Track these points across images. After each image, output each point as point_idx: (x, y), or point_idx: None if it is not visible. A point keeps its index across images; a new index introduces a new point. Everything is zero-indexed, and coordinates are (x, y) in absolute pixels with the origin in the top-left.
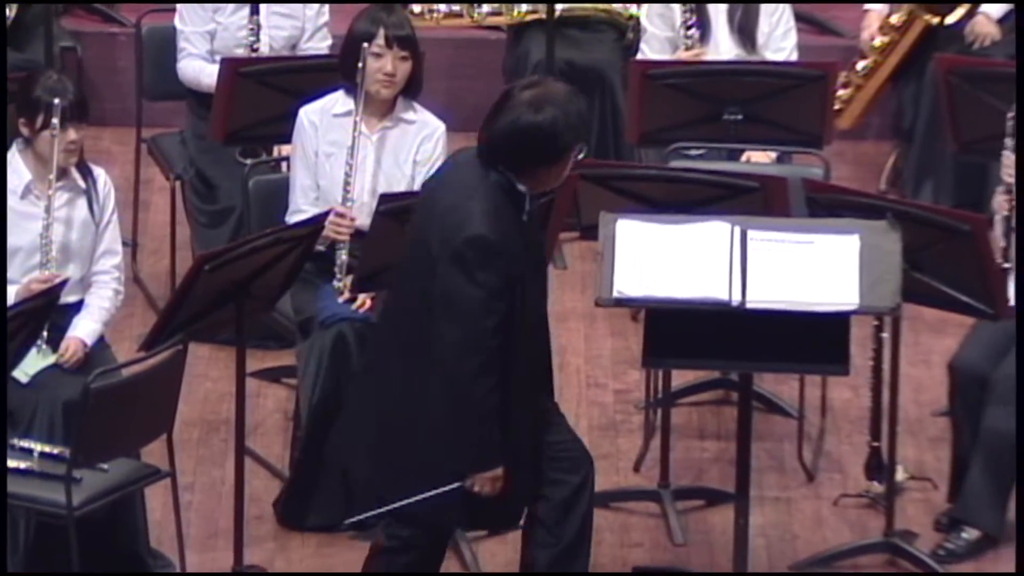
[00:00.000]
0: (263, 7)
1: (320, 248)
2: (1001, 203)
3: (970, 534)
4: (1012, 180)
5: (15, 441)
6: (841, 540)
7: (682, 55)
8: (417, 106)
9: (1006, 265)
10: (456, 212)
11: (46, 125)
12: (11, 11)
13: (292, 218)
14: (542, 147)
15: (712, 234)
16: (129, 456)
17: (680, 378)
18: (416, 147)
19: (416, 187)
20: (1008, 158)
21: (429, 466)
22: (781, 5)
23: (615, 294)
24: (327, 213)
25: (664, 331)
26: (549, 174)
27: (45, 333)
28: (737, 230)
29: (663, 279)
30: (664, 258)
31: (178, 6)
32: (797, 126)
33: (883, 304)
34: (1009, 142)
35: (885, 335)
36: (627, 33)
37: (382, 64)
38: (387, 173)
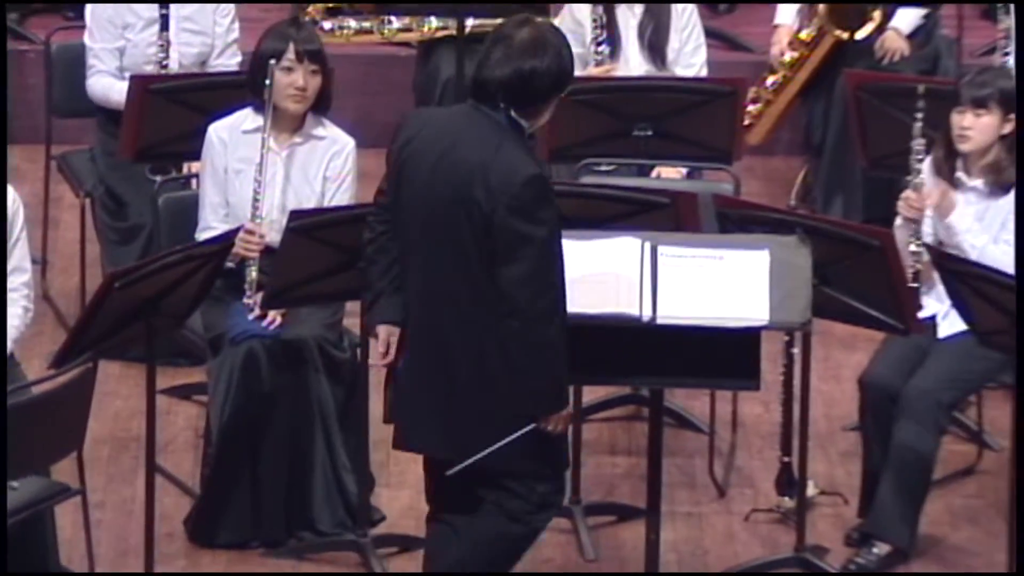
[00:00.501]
0: (173, 24)
1: (230, 265)
2: (910, 201)
3: (881, 549)
4: (921, 177)
5: None
6: (752, 555)
7: (592, 71)
8: (327, 122)
9: (917, 267)
10: (497, 162)
11: None
12: None
13: (202, 235)
14: (546, 88)
15: (622, 250)
16: (39, 474)
17: (591, 394)
18: (326, 163)
19: (327, 203)
20: (918, 145)
21: (501, 415)
22: (691, 21)
23: None
24: (237, 230)
25: (575, 347)
26: (546, 110)
27: None
28: (647, 246)
29: (574, 295)
30: (575, 274)
31: (87, 23)
32: (707, 142)
33: (793, 319)
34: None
35: (795, 350)
36: None
37: (293, 79)
38: (297, 189)
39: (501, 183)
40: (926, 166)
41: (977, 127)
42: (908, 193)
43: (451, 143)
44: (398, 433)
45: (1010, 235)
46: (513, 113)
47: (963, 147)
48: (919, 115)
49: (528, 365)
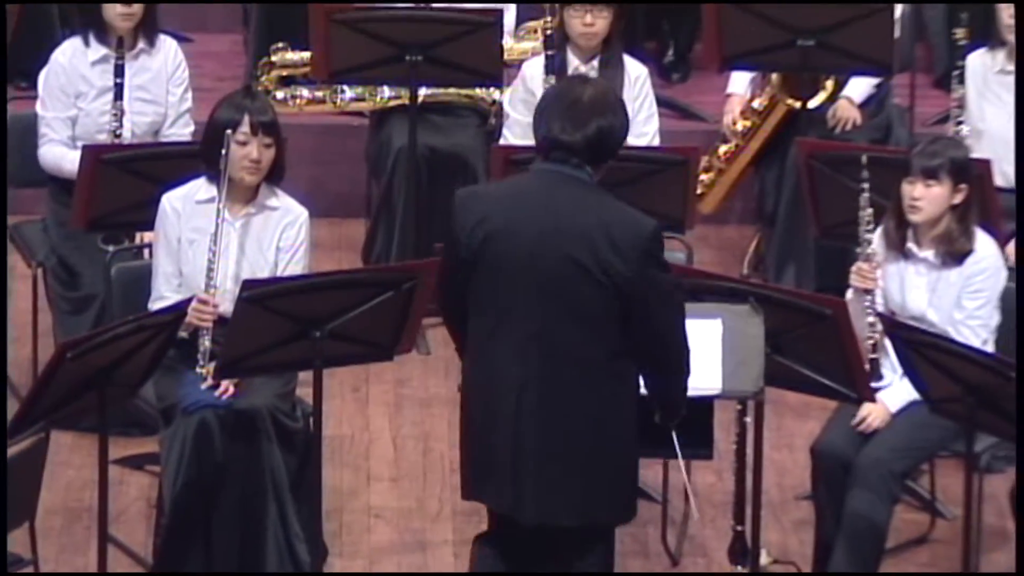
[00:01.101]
0: (126, 93)
1: (183, 335)
2: (862, 272)
3: None
4: (872, 247)
5: None
6: None
7: None
8: (280, 192)
9: (875, 337)
10: (617, 220)
11: None
12: None
13: (155, 305)
14: (618, 144)
15: None
16: None
17: None
18: (279, 234)
19: (280, 273)
20: (866, 215)
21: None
22: (644, 90)
23: None
24: (190, 300)
25: None
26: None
27: None
28: None
29: None
30: None
31: (40, 92)
32: (660, 211)
33: (746, 388)
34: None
35: (748, 419)
36: (489, 118)
37: (248, 151)
38: (250, 259)
39: (631, 238)
40: (877, 236)
41: (927, 198)
42: (860, 264)
43: (548, 210)
44: (506, 502)
45: (973, 319)
46: (589, 171)
47: (914, 218)
48: (865, 184)
49: (677, 402)
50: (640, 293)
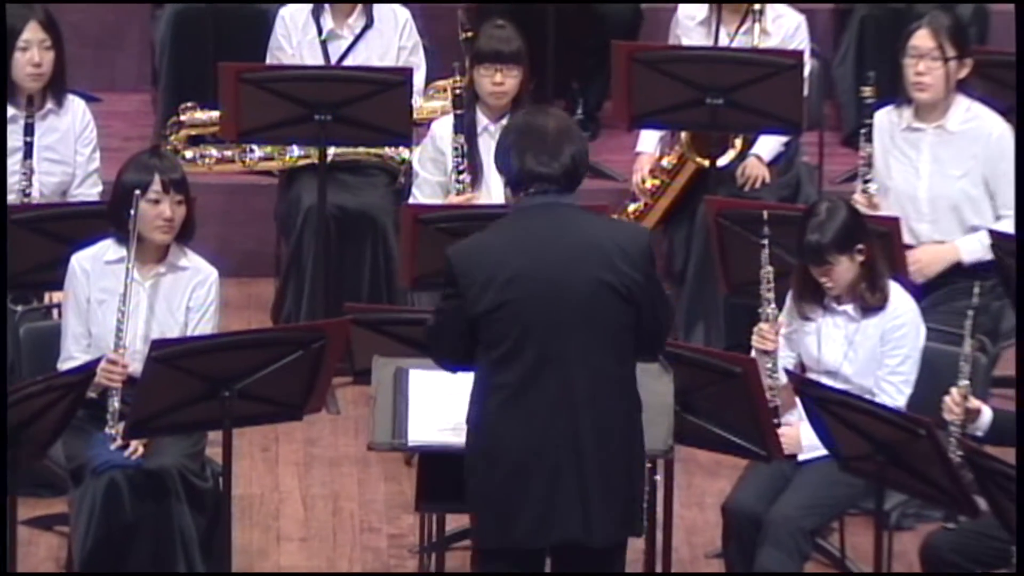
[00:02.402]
0: (35, 153)
1: (92, 395)
2: (763, 333)
3: None
4: (773, 307)
5: None
6: None
7: (453, 199)
8: (189, 252)
9: (776, 401)
10: (620, 234)
11: None
12: None
13: (64, 365)
14: (585, 169)
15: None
16: None
17: (454, 522)
18: (189, 293)
19: (190, 333)
20: (767, 275)
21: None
22: None
23: (410, 443)
24: (99, 360)
25: (438, 475)
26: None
27: None
28: None
29: (433, 426)
30: (431, 404)
31: None
32: None
33: (656, 446)
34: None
35: (658, 477)
36: (399, 177)
37: (160, 210)
38: (160, 319)
39: (637, 246)
40: (789, 300)
41: (831, 277)
42: (760, 326)
43: (558, 241)
44: (574, 529)
45: (895, 375)
46: (572, 194)
47: (832, 293)
48: (765, 242)
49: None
50: (648, 297)
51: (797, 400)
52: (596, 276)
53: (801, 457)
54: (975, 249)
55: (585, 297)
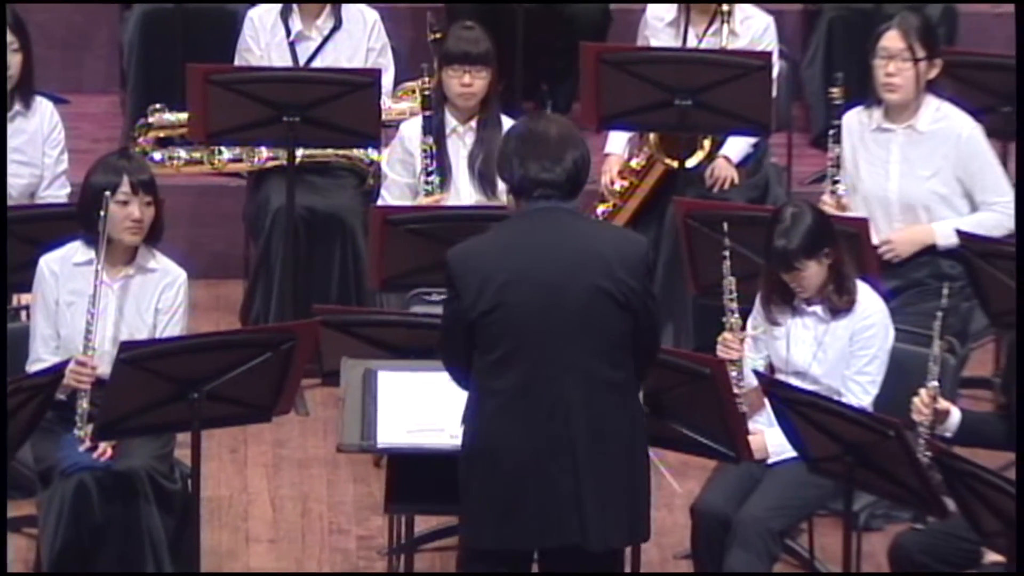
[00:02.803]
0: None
1: (61, 397)
2: (727, 342)
3: None
4: (736, 316)
5: None
6: None
7: (423, 201)
8: (158, 254)
9: (743, 408)
10: (619, 243)
11: None
12: None
13: (32, 367)
14: (587, 175)
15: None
16: None
17: (423, 523)
18: (158, 295)
19: (158, 335)
20: (729, 285)
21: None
22: None
23: (378, 445)
24: (67, 362)
25: (407, 477)
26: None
27: None
28: None
29: (408, 426)
30: (408, 405)
31: None
32: None
33: None
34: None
35: None
36: (367, 179)
37: (129, 211)
38: (129, 321)
39: (636, 255)
40: (757, 304)
41: (799, 281)
42: (724, 335)
43: (557, 246)
44: (570, 533)
45: (862, 375)
46: (572, 201)
47: (802, 296)
48: (726, 253)
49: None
50: (645, 305)
51: (766, 402)
52: (594, 283)
53: (770, 459)
54: (950, 234)
55: (582, 303)
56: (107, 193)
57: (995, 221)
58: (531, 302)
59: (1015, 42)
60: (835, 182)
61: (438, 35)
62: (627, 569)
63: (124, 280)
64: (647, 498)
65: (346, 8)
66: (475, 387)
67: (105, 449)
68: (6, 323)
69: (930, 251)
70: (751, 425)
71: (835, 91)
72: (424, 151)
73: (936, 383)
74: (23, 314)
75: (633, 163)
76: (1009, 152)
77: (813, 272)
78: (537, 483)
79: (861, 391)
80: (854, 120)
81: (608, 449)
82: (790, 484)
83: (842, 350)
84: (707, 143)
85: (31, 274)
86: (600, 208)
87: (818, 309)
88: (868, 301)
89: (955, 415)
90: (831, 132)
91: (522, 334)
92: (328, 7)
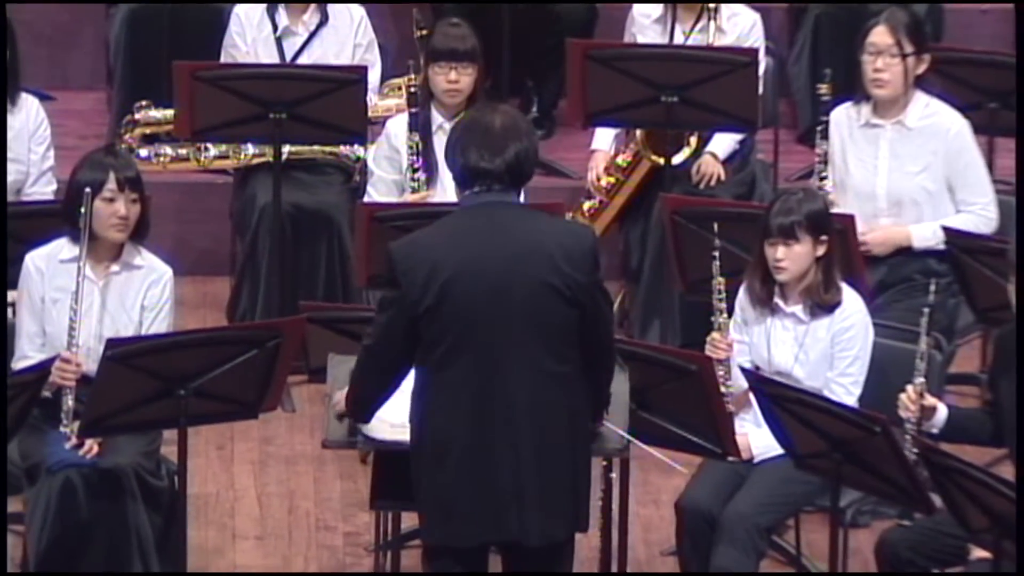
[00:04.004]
0: None
1: (46, 394)
2: (715, 342)
3: None
4: (725, 316)
5: None
6: None
7: (409, 198)
8: (143, 251)
9: (731, 408)
10: (564, 236)
11: None
12: None
13: (18, 364)
14: (532, 168)
15: None
16: None
17: (410, 520)
18: (143, 292)
19: (144, 332)
20: (718, 284)
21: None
22: None
23: (365, 441)
24: (53, 359)
25: (393, 473)
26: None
27: None
28: None
29: (395, 424)
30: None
31: None
32: None
33: (611, 445)
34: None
35: (614, 475)
36: (354, 176)
37: (115, 208)
38: (114, 318)
39: (582, 248)
40: (742, 292)
41: (790, 257)
42: (712, 335)
43: (499, 239)
44: (511, 529)
45: (844, 376)
46: (516, 192)
47: (780, 278)
48: (716, 253)
49: (607, 399)
50: (592, 299)
51: (752, 400)
52: (538, 277)
53: (755, 459)
54: (927, 236)
55: (526, 298)
56: (87, 191)
57: (973, 225)
58: (476, 296)
59: (1014, 41)
60: (822, 178)
61: (424, 32)
62: (614, 565)
63: (108, 277)
64: (587, 491)
65: (332, 4)
66: (420, 382)
67: (91, 446)
68: (6, 322)
69: (906, 252)
70: (737, 426)
71: (823, 87)
72: (411, 148)
73: (923, 379)
74: (9, 311)
75: (620, 160)
76: (996, 148)
77: (804, 252)
78: (478, 478)
79: (844, 392)
80: (843, 116)
81: (551, 443)
82: (777, 481)
83: (823, 351)
84: (693, 140)
85: (16, 271)
86: (586, 205)
87: (797, 310)
88: (848, 301)
89: (942, 411)
90: (818, 128)
91: (467, 329)
92: (314, 3)
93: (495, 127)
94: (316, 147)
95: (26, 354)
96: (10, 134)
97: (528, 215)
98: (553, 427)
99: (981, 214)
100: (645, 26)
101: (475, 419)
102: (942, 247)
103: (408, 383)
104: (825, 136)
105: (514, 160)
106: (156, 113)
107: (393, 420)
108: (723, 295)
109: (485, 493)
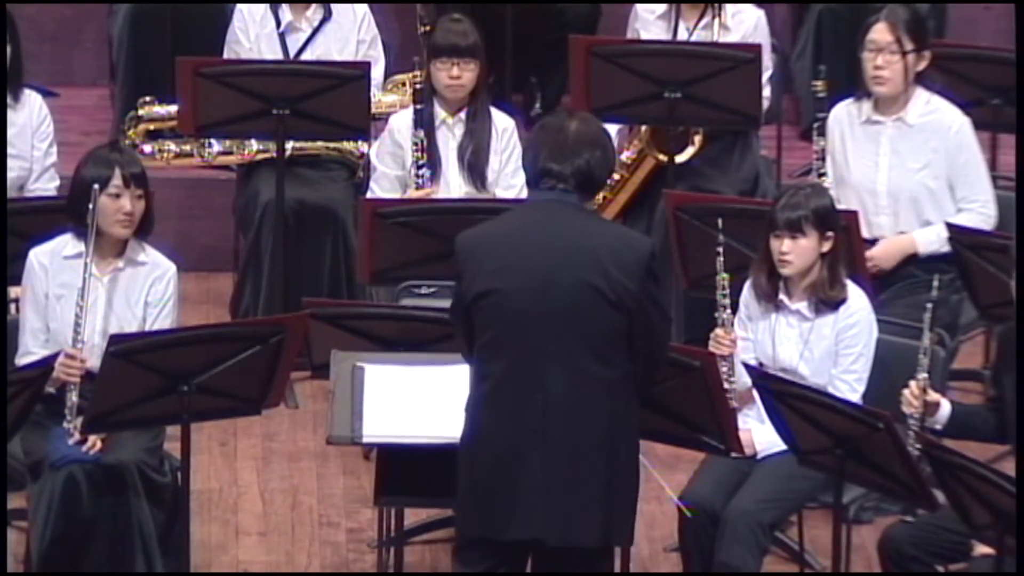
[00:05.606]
0: None
1: (50, 390)
2: (719, 339)
3: None
4: (728, 312)
5: None
6: None
7: (413, 193)
8: (147, 247)
9: (733, 404)
10: (620, 242)
11: None
12: None
13: (22, 360)
14: (604, 177)
15: (450, 377)
16: None
17: (413, 516)
18: (147, 288)
19: (148, 328)
20: (722, 281)
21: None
22: (511, 143)
23: (364, 439)
24: (57, 355)
25: (396, 470)
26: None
27: None
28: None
29: (400, 421)
30: (409, 401)
31: None
32: None
33: None
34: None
35: None
36: (357, 171)
37: (120, 204)
38: (118, 314)
39: (635, 257)
40: (747, 288)
41: (795, 251)
42: (716, 331)
43: (553, 238)
44: (534, 527)
45: (848, 373)
46: (585, 201)
47: (785, 271)
48: (720, 249)
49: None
50: (640, 308)
51: (755, 396)
52: (582, 277)
53: (759, 456)
54: (931, 240)
55: (570, 296)
56: (95, 187)
57: (972, 223)
58: (521, 290)
59: (1014, 39)
60: (820, 175)
61: (427, 28)
62: (617, 561)
63: (113, 273)
64: (628, 501)
65: (336, 1)
66: (472, 373)
67: (95, 442)
68: (6, 321)
69: (912, 259)
70: (740, 422)
71: (818, 84)
72: (414, 144)
73: (926, 375)
74: (12, 307)
75: (624, 156)
76: (998, 144)
77: (809, 247)
78: (511, 472)
79: (848, 389)
80: (843, 112)
81: (586, 445)
82: (780, 477)
83: (828, 348)
84: (698, 138)
85: (20, 267)
86: None
87: (802, 306)
88: (853, 298)
89: (945, 407)
90: (816, 125)
91: (509, 321)
92: None
93: (568, 131)
94: (319, 143)
95: (30, 350)
96: (13, 130)
97: (585, 216)
98: (589, 430)
99: (980, 212)
100: (649, 22)
101: (511, 412)
102: (946, 249)
103: (406, 384)
104: (822, 133)
105: (584, 166)
106: (160, 109)
107: (396, 418)
108: (726, 291)
109: (516, 489)
